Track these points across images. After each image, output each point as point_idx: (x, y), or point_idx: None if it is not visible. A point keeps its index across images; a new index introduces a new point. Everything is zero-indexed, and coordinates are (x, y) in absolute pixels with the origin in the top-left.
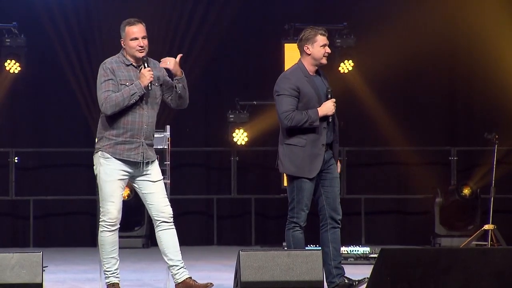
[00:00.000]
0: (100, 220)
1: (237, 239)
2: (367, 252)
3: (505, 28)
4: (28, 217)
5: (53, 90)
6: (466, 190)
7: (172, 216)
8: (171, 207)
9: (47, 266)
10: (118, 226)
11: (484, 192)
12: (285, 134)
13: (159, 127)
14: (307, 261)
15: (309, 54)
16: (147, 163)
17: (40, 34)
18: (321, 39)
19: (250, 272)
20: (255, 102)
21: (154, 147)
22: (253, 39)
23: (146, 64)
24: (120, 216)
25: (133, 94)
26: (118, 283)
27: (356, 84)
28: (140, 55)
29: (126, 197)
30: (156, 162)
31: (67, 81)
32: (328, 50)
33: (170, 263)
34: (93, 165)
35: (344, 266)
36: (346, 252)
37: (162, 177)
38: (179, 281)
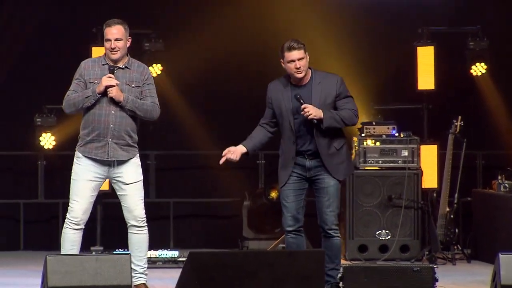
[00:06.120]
0: (66, 217)
1: (44, 243)
2: (176, 256)
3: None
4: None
5: None
6: (274, 193)
7: (143, 219)
8: None
9: None
10: (82, 227)
11: None
12: None
13: None
14: (115, 265)
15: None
16: (119, 165)
17: None
18: (287, 56)
19: (57, 277)
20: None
21: None
22: (62, 41)
23: (113, 71)
24: (85, 217)
25: (87, 97)
26: None
27: (164, 87)
28: (113, 57)
29: None
30: (133, 164)
31: None
32: (297, 65)
33: (131, 265)
34: None
35: (152, 270)
36: (154, 256)
37: (139, 179)
38: (135, 284)
